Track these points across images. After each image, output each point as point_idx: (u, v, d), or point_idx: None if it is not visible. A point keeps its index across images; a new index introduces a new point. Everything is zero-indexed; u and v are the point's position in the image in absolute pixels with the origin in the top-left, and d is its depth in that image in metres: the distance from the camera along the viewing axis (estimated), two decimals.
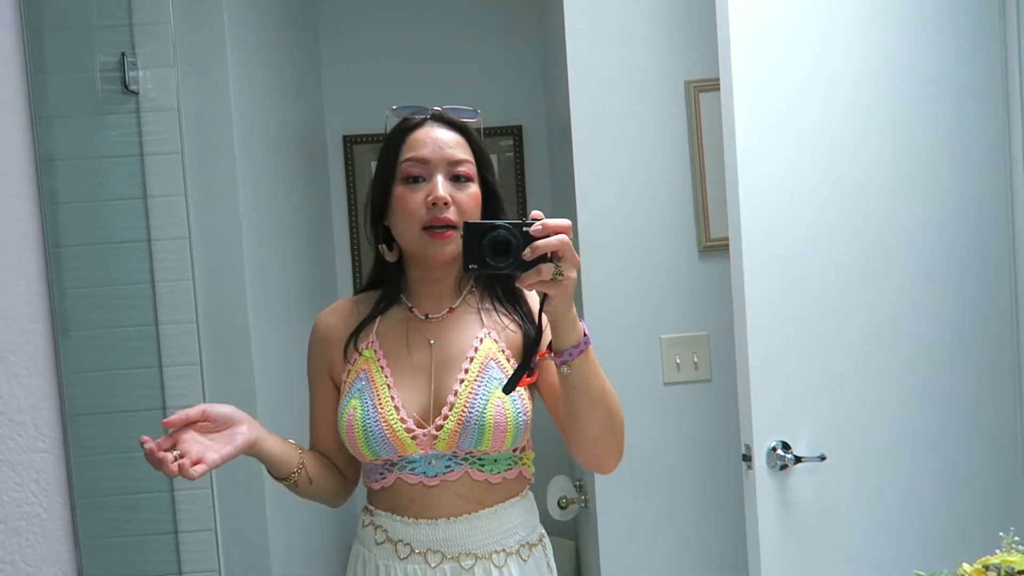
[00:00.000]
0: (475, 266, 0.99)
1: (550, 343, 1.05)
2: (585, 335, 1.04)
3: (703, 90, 1.88)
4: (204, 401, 1.77)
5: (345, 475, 1.30)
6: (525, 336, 1.20)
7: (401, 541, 1.19)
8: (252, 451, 1.13)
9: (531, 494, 1.27)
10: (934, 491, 1.65)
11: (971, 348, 1.67)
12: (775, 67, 1.57)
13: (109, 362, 1.78)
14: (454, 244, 1.14)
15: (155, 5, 1.72)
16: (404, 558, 1.18)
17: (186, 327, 1.77)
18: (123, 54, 1.71)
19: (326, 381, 1.27)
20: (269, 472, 1.20)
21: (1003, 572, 0.69)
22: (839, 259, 1.60)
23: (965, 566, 0.75)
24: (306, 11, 2.58)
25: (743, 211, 1.55)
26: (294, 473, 1.19)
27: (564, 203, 2.16)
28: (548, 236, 0.96)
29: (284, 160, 2.20)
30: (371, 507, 1.25)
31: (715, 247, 1.90)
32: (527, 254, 0.96)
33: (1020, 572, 0.70)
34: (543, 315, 1.02)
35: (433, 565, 1.17)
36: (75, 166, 1.78)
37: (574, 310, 1.02)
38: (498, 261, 0.98)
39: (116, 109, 1.73)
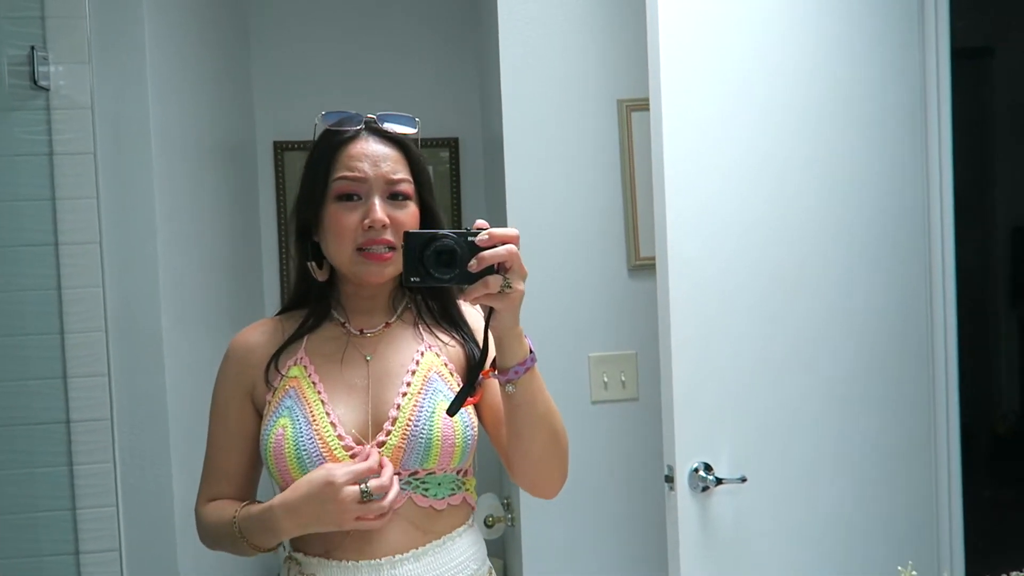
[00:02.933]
0: (417, 279, 0.93)
1: (494, 360, 1.00)
2: (531, 352, 0.99)
3: (635, 109, 1.89)
4: (112, 415, 1.69)
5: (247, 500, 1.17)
6: (468, 355, 1.14)
7: None
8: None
9: (477, 523, 1.20)
10: (852, 512, 1.68)
11: (888, 369, 1.71)
12: (704, 90, 1.58)
13: (10, 372, 1.69)
14: (393, 266, 1.08)
15: None
16: None
17: (94, 336, 1.69)
18: (33, 48, 1.63)
19: (245, 406, 1.15)
20: (244, 535, 1.09)
21: None
22: (762, 281, 1.62)
23: None
24: (236, 14, 2.51)
25: (669, 232, 1.55)
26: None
27: (499, 217, 2.14)
28: (495, 246, 0.92)
29: (207, 164, 2.12)
30: (296, 555, 1.12)
31: (645, 266, 1.90)
32: (473, 265, 0.91)
33: None
34: (488, 331, 0.97)
35: None
36: None
37: (520, 326, 0.97)
38: (442, 273, 0.92)
39: (24, 105, 1.65)
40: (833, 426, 1.67)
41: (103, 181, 1.68)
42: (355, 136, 1.10)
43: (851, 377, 1.68)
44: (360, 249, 1.07)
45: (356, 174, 1.08)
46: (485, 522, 2.13)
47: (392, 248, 1.07)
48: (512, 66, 1.90)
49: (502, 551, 2.47)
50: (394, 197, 1.09)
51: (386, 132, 1.11)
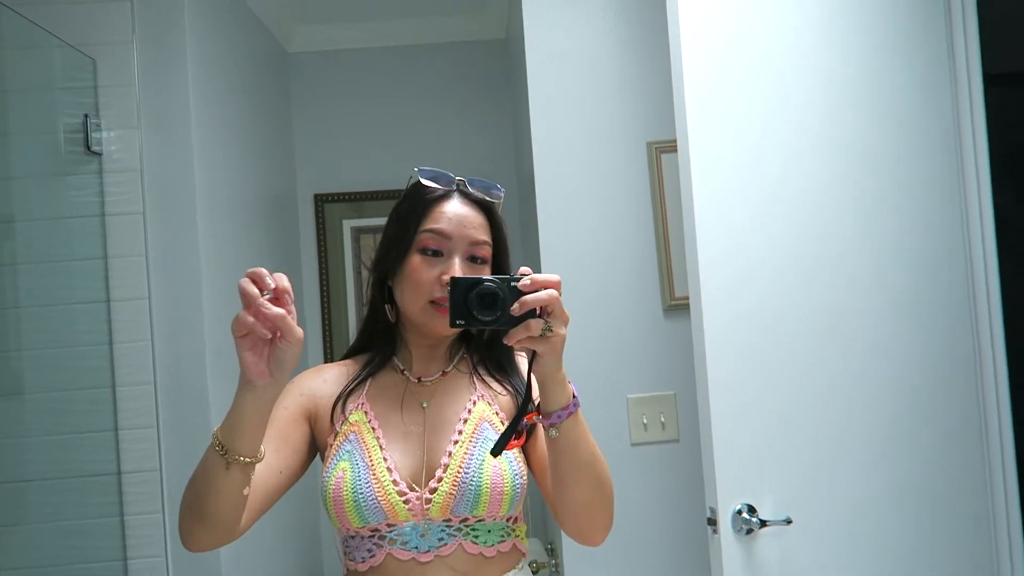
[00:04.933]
0: (462, 321, 0.96)
1: (538, 405, 1.01)
2: (574, 396, 0.99)
3: (664, 151, 1.90)
4: (161, 466, 1.74)
5: (246, 509, 1.06)
6: (516, 402, 1.16)
7: None
8: (263, 395, 0.95)
9: (528, 568, 1.20)
10: (901, 552, 1.63)
11: (934, 406, 1.66)
12: (732, 129, 1.59)
13: (64, 425, 1.75)
14: None
15: (119, 68, 1.74)
16: None
17: (143, 389, 1.75)
18: (86, 116, 1.73)
19: (299, 419, 1.14)
20: (223, 442, 0.96)
21: None
22: (800, 318, 1.60)
23: None
24: (276, 72, 2.61)
25: (702, 272, 1.55)
26: (261, 452, 0.99)
27: (533, 260, 2.16)
28: (537, 291, 0.94)
29: (251, 218, 2.20)
30: None
31: (680, 306, 1.90)
32: (515, 309, 0.94)
33: None
34: (531, 375, 0.98)
35: None
36: (36, 227, 1.78)
37: (563, 370, 0.98)
38: (485, 315, 0.95)
39: (78, 170, 1.74)
40: (880, 464, 1.63)
41: (151, 240, 1.75)
42: (446, 195, 1.15)
43: (897, 413, 1.64)
44: (433, 302, 1.11)
45: (443, 229, 1.13)
46: (529, 567, 2.11)
47: None
48: (541, 111, 1.94)
49: None
50: (473, 259, 1.14)
51: (474, 196, 1.16)
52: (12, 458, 1.73)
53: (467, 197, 1.16)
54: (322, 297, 2.70)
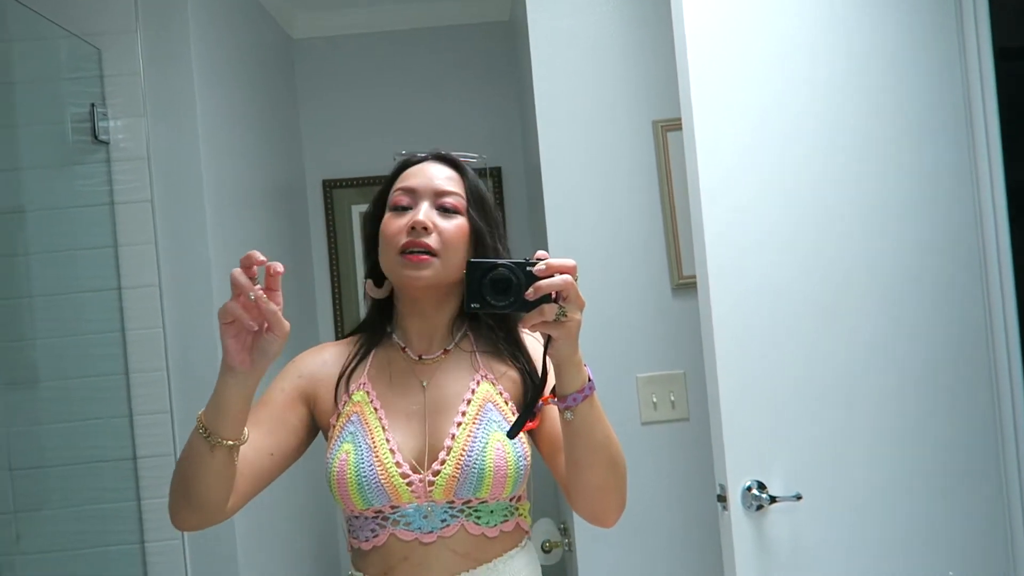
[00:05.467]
0: (476, 305, 0.97)
1: (553, 388, 1.00)
2: (590, 379, 0.99)
3: (670, 129, 1.89)
4: (175, 451, 1.76)
5: (234, 491, 1.07)
6: (526, 382, 1.16)
7: None
8: (245, 382, 0.96)
9: (531, 545, 1.21)
10: (912, 527, 1.63)
11: (945, 381, 1.65)
12: (736, 107, 1.58)
13: (79, 412, 1.77)
14: (431, 271, 1.10)
15: (124, 56, 1.75)
16: None
17: (156, 375, 1.77)
18: (93, 105, 1.73)
19: (295, 402, 1.15)
20: (206, 425, 0.98)
21: None
22: (808, 296, 1.59)
23: None
24: (281, 58, 2.61)
25: (709, 250, 1.55)
26: (245, 435, 1.01)
27: (541, 243, 2.16)
28: (552, 276, 0.94)
29: (259, 205, 2.20)
30: (358, 574, 1.15)
31: (688, 284, 1.90)
32: (530, 294, 0.94)
33: None
34: (547, 358, 0.99)
35: None
36: (46, 216, 1.80)
37: (579, 353, 0.98)
38: (499, 300, 0.96)
39: (86, 159, 1.75)
40: (891, 440, 1.62)
41: (160, 227, 1.76)
42: (418, 161, 1.19)
43: (908, 390, 1.64)
44: (402, 252, 1.11)
45: (409, 184, 1.15)
46: (542, 547, 2.13)
47: (431, 253, 1.10)
48: (546, 92, 1.93)
49: None
50: (443, 209, 1.13)
51: (446, 157, 1.19)
52: (30, 445, 1.75)
53: (440, 159, 1.19)
54: (332, 283, 2.71)
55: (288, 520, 2.18)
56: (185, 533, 1.74)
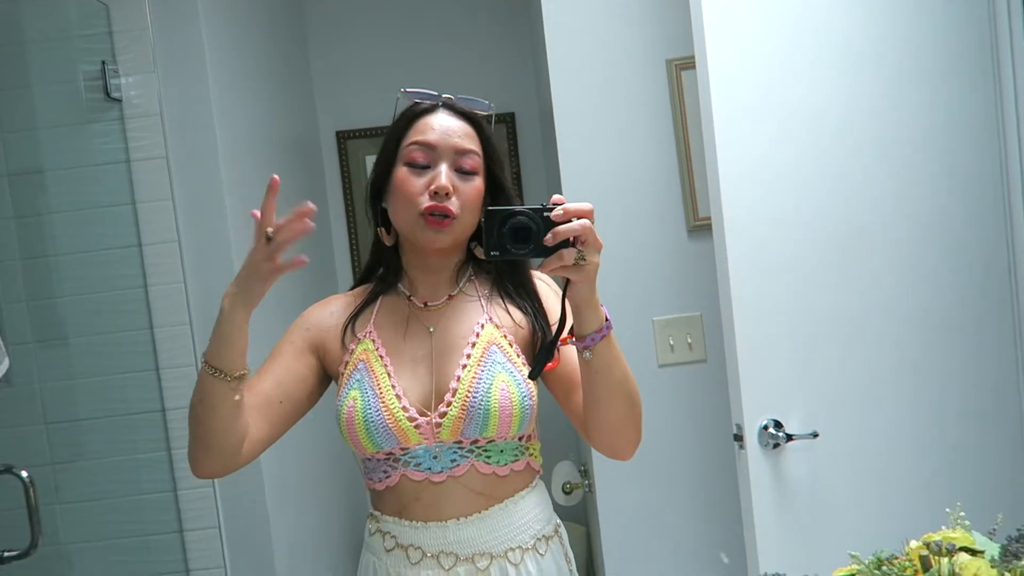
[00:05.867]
0: (496, 253, 0.98)
1: (571, 329, 1.03)
2: (607, 320, 1.02)
3: (685, 68, 1.86)
4: None
5: (247, 435, 1.11)
6: (532, 324, 1.18)
7: (412, 546, 1.15)
8: (239, 314, 1.01)
9: (542, 484, 1.24)
10: (931, 465, 1.64)
11: (965, 321, 1.64)
12: (752, 44, 1.54)
13: (108, 367, 1.82)
14: (450, 235, 1.12)
15: (132, 12, 1.74)
16: (416, 563, 1.14)
17: (181, 329, 1.80)
18: (103, 62, 1.73)
19: (304, 352, 1.18)
20: (212, 362, 1.02)
21: (944, 548, 0.69)
22: (825, 237, 1.58)
23: (912, 543, 0.74)
24: (291, 9, 2.58)
25: (724, 192, 1.54)
26: (247, 372, 1.05)
27: (557, 189, 2.15)
28: (570, 221, 0.95)
29: (273, 158, 2.21)
30: (376, 512, 1.21)
31: (704, 226, 1.88)
32: (548, 239, 0.95)
33: (961, 548, 0.70)
34: (566, 300, 1.01)
35: (447, 568, 1.13)
36: (64, 176, 1.82)
37: (597, 295, 1.00)
38: (519, 248, 0.97)
39: (100, 117, 1.76)
40: (909, 379, 1.62)
41: (177, 184, 1.78)
42: (431, 110, 1.15)
43: (927, 329, 1.63)
44: (422, 214, 1.11)
45: (428, 140, 1.12)
46: (563, 488, 2.17)
47: (452, 217, 1.11)
48: (557, 33, 1.89)
49: (584, 517, 2.51)
50: (461, 170, 1.12)
51: (460, 108, 1.16)
52: (63, 399, 1.81)
53: (453, 110, 1.15)
54: (349, 234, 2.73)
55: (315, 463, 2.24)
56: (216, 480, 1.79)
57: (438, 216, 1.10)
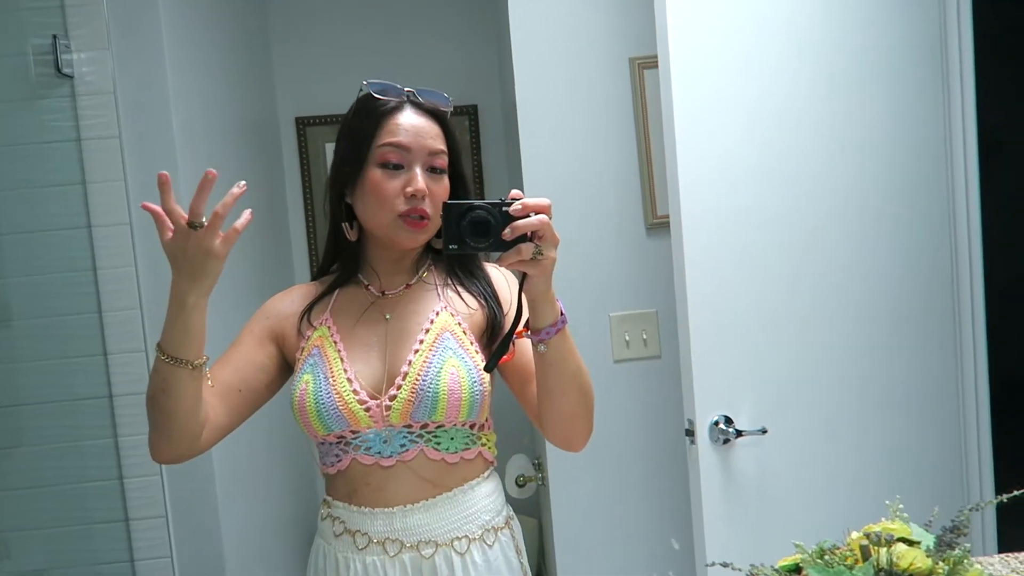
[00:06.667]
0: (455, 246, 0.99)
1: (527, 322, 1.05)
2: (562, 313, 1.04)
3: (647, 67, 1.88)
4: None
5: (207, 422, 1.12)
6: (487, 314, 1.20)
7: (359, 531, 1.17)
8: (194, 304, 1.03)
9: (496, 476, 1.26)
10: (873, 460, 1.69)
11: (909, 321, 1.70)
12: (713, 46, 1.57)
13: (54, 351, 1.77)
14: (426, 234, 1.15)
15: None
16: (362, 548, 1.16)
17: (130, 314, 1.76)
18: (55, 36, 1.68)
19: (264, 341, 1.20)
20: (171, 352, 1.03)
21: (883, 539, 0.71)
22: (779, 237, 1.62)
23: (853, 534, 0.76)
24: None
25: (682, 190, 1.56)
26: (206, 359, 1.06)
27: (519, 182, 2.15)
28: (528, 216, 0.96)
29: (231, 142, 2.17)
30: (328, 498, 1.23)
31: (662, 225, 1.91)
32: (507, 234, 0.96)
33: (899, 539, 0.72)
34: (522, 294, 1.02)
35: (392, 555, 1.15)
36: (11, 152, 1.76)
37: (553, 290, 1.02)
38: (478, 242, 0.98)
39: (50, 93, 1.70)
40: (855, 375, 1.67)
41: (129, 164, 1.73)
42: (397, 107, 1.16)
43: (873, 327, 1.68)
44: (401, 215, 1.13)
45: (402, 141, 1.14)
46: (516, 482, 2.18)
47: (426, 217, 1.14)
48: (522, 28, 1.90)
49: (537, 510, 2.53)
50: (432, 170, 1.15)
51: (425, 106, 1.17)
52: (5, 383, 1.75)
53: (419, 108, 1.17)
54: (307, 220, 2.70)
55: (268, 452, 2.22)
56: (164, 468, 1.76)
57: (415, 218, 1.13)
